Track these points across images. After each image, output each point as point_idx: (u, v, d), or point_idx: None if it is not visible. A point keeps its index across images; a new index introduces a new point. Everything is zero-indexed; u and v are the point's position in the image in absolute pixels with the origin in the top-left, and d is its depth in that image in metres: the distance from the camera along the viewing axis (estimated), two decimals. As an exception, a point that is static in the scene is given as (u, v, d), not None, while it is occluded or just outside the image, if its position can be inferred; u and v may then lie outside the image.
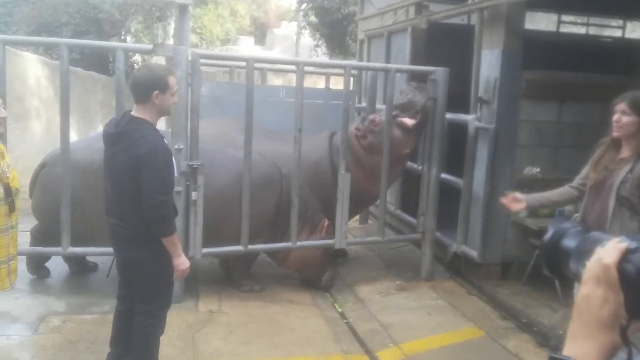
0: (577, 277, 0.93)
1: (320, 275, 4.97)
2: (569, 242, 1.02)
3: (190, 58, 4.37)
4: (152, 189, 2.86)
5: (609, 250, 0.86)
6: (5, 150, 2.89)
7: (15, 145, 4.04)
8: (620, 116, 2.93)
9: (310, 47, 18.37)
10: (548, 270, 1.07)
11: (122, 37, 16.13)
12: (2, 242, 2.77)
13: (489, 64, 4.98)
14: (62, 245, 4.32)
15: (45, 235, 4.55)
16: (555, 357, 0.85)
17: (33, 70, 9.60)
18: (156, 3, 14.38)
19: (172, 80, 2.98)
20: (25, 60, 9.40)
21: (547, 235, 1.06)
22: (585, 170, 3.23)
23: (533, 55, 5.18)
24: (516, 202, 3.33)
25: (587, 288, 0.87)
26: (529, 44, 5.02)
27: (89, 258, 5.07)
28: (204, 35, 22.31)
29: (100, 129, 10.84)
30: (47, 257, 4.87)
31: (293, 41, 24.24)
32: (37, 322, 3.96)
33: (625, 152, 2.98)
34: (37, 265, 4.83)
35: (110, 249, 4.36)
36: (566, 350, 0.87)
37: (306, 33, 18.76)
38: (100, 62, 14.39)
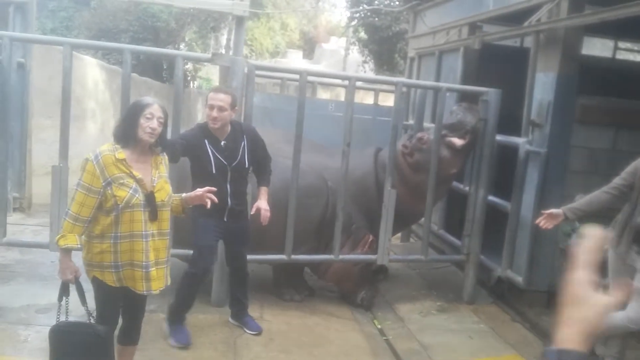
0: None
1: (358, 291, 4.95)
2: None
3: (246, 69, 4.48)
4: None
5: None
6: (164, 161, 2.97)
7: (71, 144, 4.25)
8: None
9: (357, 62, 18.50)
10: None
11: (177, 45, 16.61)
12: (138, 246, 2.79)
13: (542, 87, 4.93)
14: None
15: None
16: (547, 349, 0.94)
17: (92, 74, 10.00)
18: (211, 14, 14.78)
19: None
20: (85, 63, 9.81)
21: None
22: (626, 175, 3.59)
23: (587, 80, 5.09)
24: (553, 218, 3.66)
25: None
26: (584, 69, 4.94)
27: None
28: (254, 47, 22.75)
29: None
30: None
31: (340, 56, 24.48)
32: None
33: None
34: None
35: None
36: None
37: (354, 49, 18.91)
38: (153, 68, 14.85)
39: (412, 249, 6.40)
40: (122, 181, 2.74)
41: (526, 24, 5.11)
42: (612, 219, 3.84)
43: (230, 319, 4.27)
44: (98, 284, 2.86)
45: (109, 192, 2.72)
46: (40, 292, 4.40)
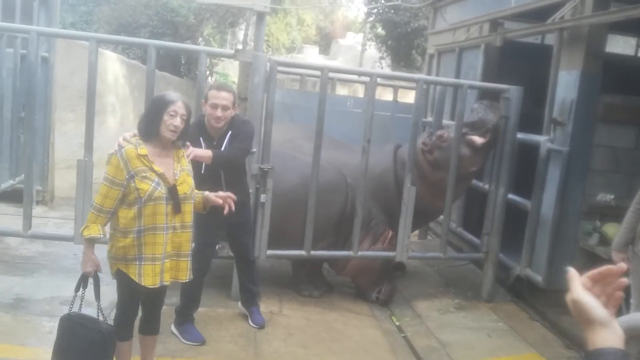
0: None
1: (374, 287, 4.97)
2: None
3: (268, 65, 4.48)
4: None
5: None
6: (185, 154, 3.02)
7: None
8: None
9: (374, 58, 18.43)
10: None
11: (195, 40, 16.69)
12: (159, 239, 2.83)
13: (565, 85, 4.88)
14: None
15: None
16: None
17: (112, 68, 10.09)
18: (230, 9, 14.82)
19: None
20: (105, 58, 9.89)
21: None
22: None
23: (609, 78, 5.04)
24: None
25: None
26: (607, 67, 4.89)
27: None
28: (271, 43, 22.79)
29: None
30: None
31: (357, 52, 24.38)
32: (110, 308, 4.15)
33: None
34: None
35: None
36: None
37: (371, 45, 18.83)
38: (172, 63, 14.94)
39: (430, 247, 6.39)
40: (144, 174, 2.79)
41: (550, 21, 5.06)
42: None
43: (239, 305, 4.31)
44: (121, 277, 2.91)
45: (132, 184, 2.77)
46: (63, 284, 4.47)
